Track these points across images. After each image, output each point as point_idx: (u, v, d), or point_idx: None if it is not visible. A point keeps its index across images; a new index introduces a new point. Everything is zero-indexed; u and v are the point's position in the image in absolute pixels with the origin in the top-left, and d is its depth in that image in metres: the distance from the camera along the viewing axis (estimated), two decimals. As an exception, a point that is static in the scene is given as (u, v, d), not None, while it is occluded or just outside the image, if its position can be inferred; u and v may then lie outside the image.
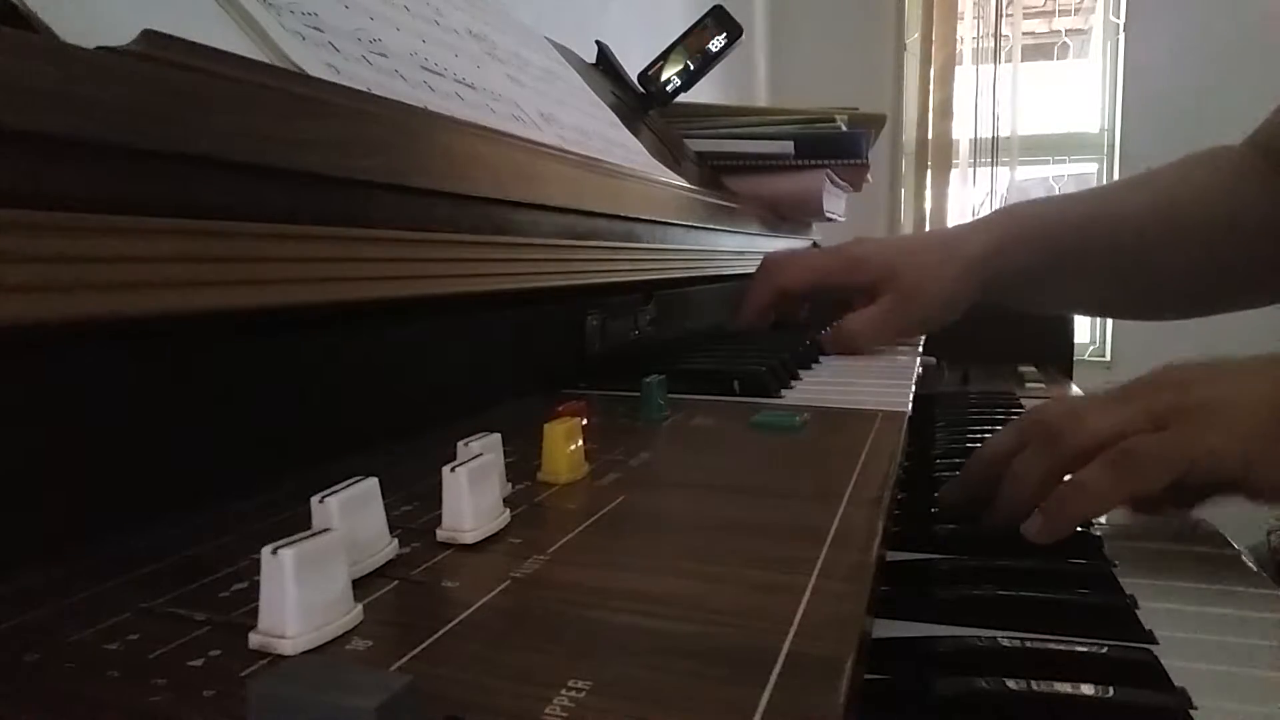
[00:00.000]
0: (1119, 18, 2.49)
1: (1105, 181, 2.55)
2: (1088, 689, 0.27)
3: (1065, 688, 0.27)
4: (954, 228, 0.85)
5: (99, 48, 0.25)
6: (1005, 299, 0.77)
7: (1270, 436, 0.36)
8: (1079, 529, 0.41)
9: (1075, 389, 0.94)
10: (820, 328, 0.78)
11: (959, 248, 0.74)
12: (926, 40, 2.61)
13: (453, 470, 0.26)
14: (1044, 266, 0.73)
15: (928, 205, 2.67)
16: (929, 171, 2.64)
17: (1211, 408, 0.37)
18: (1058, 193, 2.64)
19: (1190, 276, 0.73)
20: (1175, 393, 0.39)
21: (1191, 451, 0.37)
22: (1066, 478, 0.39)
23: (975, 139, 2.60)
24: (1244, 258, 0.70)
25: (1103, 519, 0.45)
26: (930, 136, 2.61)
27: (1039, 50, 2.69)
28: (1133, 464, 0.37)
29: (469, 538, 0.25)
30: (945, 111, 2.59)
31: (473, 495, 0.26)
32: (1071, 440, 0.39)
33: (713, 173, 1.09)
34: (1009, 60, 2.57)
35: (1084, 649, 0.30)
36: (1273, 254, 0.69)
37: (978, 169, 2.61)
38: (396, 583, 0.23)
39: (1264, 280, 0.71)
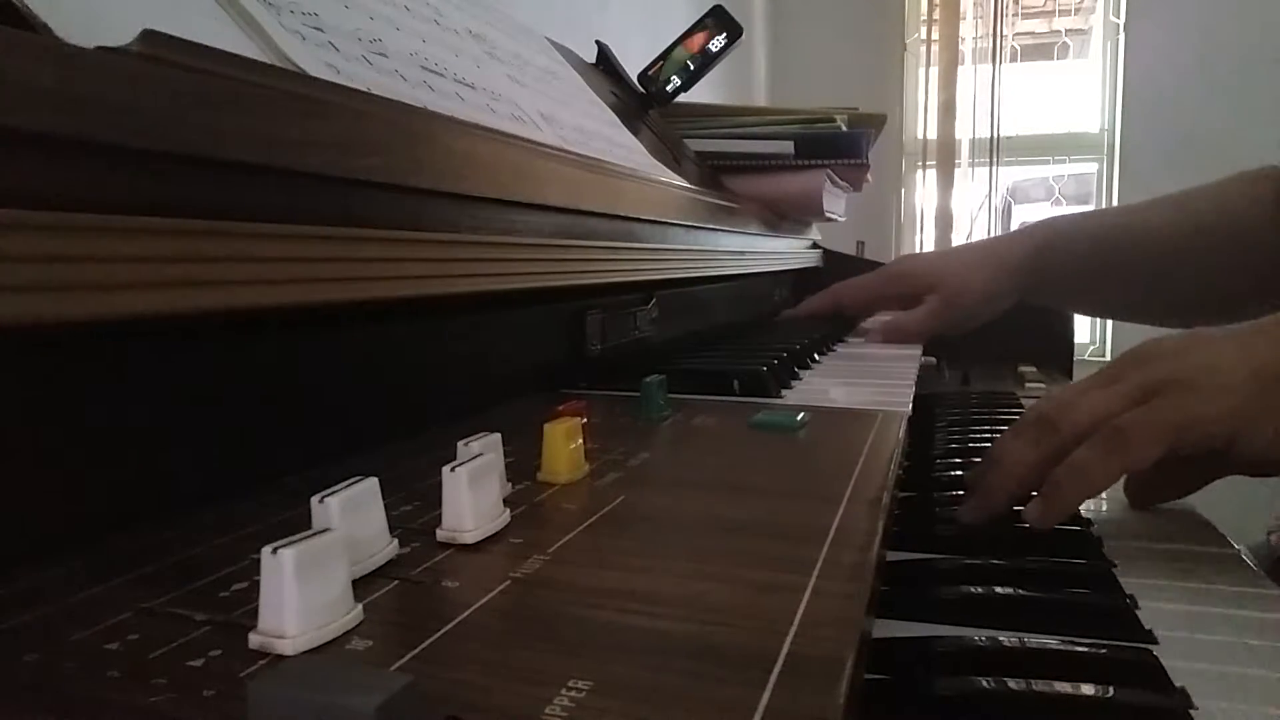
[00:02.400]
0: (1119, 18, 2.49)
1: (1105, 182, 2.55)
2: (1088, 689, 0.27)
3: (1065, 688, 0.27)
4: (996, 237, 0.99)
5: (99, 48, 0.25)
6: (1042, 301, 0.86)
7: (1253, 401, 0.37)
8: (1079, 530, 0.41)
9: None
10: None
11: (999, 255, 0.83)
12: (930, 40, 2.61)
13: (453, 470, 0.26)
14: (1077, 275, 0.81)
15: (929, 205, 2.67)
16: (932, 171, 2.64)
17: (1195, 377, 0.38)
18: (1057, 193, 2.65)
19: (1219, 289, 0.77)
20: (1159, 365, 0.39)
21: (1179, 421, 0.37)
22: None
23: (974, 139, 2.60)
24: (1273, 274, 0.72)
25: (1104, 515, 0.45)
26: (935, 136, 2.61)
27: (1039, 50, 2.69)
28: (1122, 440, 0.37)
29: (469, 538, 0.25)
30: (949, 111, 2.58)
31: (473, 495, 0.26)
32: (1063, 427, 0.39)
33: (713, 173, 1.09)
34: (1009, 60, 2.57)
35: (1084, 649, 0.30)
36: None
37: (976, 169, 2.61)
38: (396, 583, 0.23)
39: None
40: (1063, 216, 0.88)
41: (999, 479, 0.41)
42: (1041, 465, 0.40)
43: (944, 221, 2.61)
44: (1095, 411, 0.39)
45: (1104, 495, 0.46)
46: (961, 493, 0.46)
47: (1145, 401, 0.38)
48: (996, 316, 0.85)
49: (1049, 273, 0.81)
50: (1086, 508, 0.44)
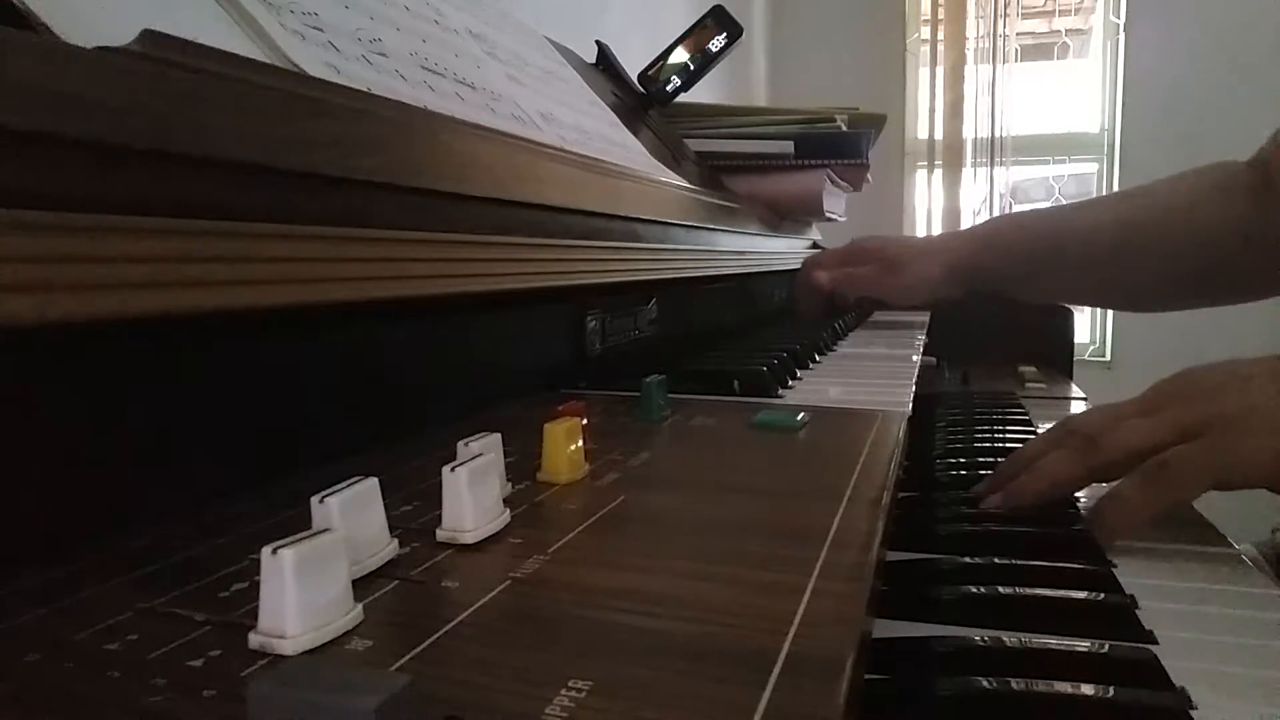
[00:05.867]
0: (1119, 18, 2.49)
1: (1105, 181, 2.55)
2: (1088, 689, 0.27)
3: (1065, 688, 0.27)
4: (950, 233, 1.06)
5: (99, 48, 0.25)
6: (989, 290, 0.94)
7: None
8: (1079, 530, 0.41)
9: (1075, 389, 0.94)
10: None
11: (943, 248, 0.93)
12: (934, 40, 2.61)
13: (453, 470, 0.26)
14: (1018, 269, 0.89)
15: (930, 204, 2.67)
16: (930, 171, 2.64)
17: (1241, 417, 0.39)
18: (1058, 193, 2.66)
19: (1165, 278, 0.82)
20: (1200, 403, 0.40)
21: (1223, 463, 0.39)
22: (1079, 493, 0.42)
23: (975, 139, 2.60)
24: (1225, 263, 0.77)
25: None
26: (941, 137, 2.61)
27: (1039, 50, 2.69)
28: (1169, 477, 0.39)
29: (469, 538, 0.25)
30: (955, 111, 2.58)
31: (473, 495, 0.26)
32: (1106, 449, 0.41)
33: (713, 173, 1.09)
34: (1007, 60, 2.56)
35: (1084, 649, 0.30)
36: (1257, 262, 0.75)
37: (977, 169, 2.61)
38: (396, 583, 0.23)
39: (1242, 284, 0.80)
40: (1010, 215, 0.98)
41: (1032, 483, 0.42)
42: (1076, 481, 0.42)
43: (951, 221, 2.61)
44: (1136, 439, 0.40)
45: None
46: (963, 492, 0.46)
47: (1186, 438, 0.39)
48: (938, 300, 0.95)
49: (991, 266, 0.90)
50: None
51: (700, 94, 1.08)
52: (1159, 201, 0.81)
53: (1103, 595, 0.35)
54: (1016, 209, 2.65)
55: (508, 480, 0.31)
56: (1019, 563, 0.37)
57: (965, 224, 2.62)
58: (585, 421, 0.36)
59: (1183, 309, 0.89)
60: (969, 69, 2.59)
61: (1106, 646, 0.30)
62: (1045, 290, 0.95)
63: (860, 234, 1.01)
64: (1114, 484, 0.41)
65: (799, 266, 1.12)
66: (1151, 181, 0.83)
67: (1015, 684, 0.27)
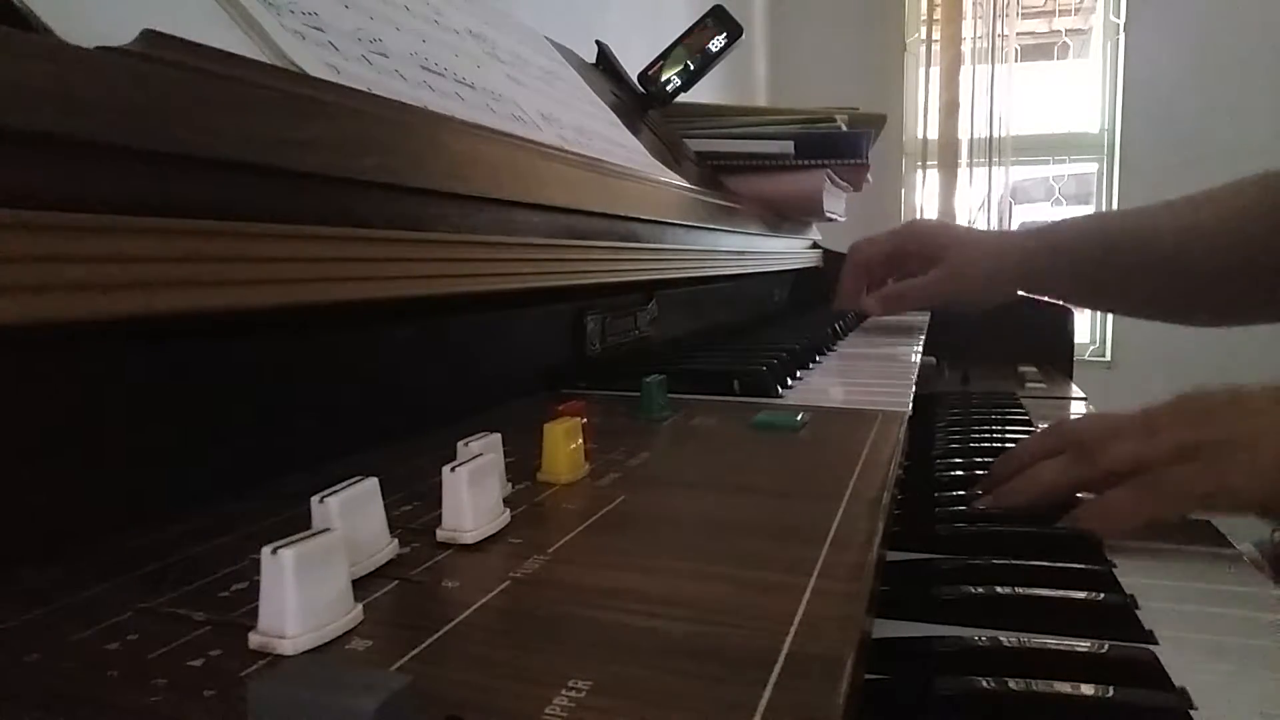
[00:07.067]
0: (1119, 18, 2.49)
1: (1105, 181, 2.55)
2: (1088, 689, 0.27)
3: (1065, 688, 0.27)
4: (1005, 231, 1.02)
5: (99, 48, 0.25)
6: (1044, 295, 0.93)
7: None
8: (1079, 530, 0.41)
9: (1075, 389, 0.94)
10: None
11: (1005, 249, 0.89)
12: (930, 40, 2.61)
13: (453, 470, 0.26)
14: (1077, 276, 0.86)
15: (930, 205, 2.67)
16: (933, 171, 2.64)
17: (1236, 446, 0.39)
18: (1057, 193, 2.66)
19: (1220, 292, 0.80)
20: (1202, 427, 0.40)
21: (1214, 487, 0.39)
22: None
23: (972, 139, 2.60)
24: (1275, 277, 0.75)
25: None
26: (936, 136, 2.60)
27: (1039, 50, 2.69)
28: (1157, 492, 0.40)
29: (469, 538, 0.25)
30: (951, 111, 2.58)
31: (473, 495, 0.26)
32: (1101, 461, 0.41)
33: (713, 173, 1.09)
34: (1007, 60, 2.57)
35: (1084, 649, 0.30)
36: None
37: (976, 169, 2.61)
38: (396, 583, 0.23)
39: None
40: (1070, 220, 0.92)
41: (1025, 487, 0.43)
42: (1068, 488, 0.43)
43: (948, 220, 2.61)
44: (1132, 456, 0.41)
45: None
46: (962, 492, 0.46)
47: (1181, 459, 0.40)
48: (992, 305, 0.90)
49: (1053, 271, 0.86)
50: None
51: (700, 94, 1.07)
52: (1216, 210, 0.79)
53: (1103, 595, 0.35)
54: (1017, 209, 2.65)
55: (508, 480, 0.31)
56: (1019, 563, 0.37)
57: (963, 224, 2.62)
58: (585, 421, 0.36)
59: (1240, 324, 0.85)
60: (969, 69, 2.59)
61: (1106, 646, 0.30)
62: (1105, 299, 0.92)
63: (859, 234, 1.00)
64: (1106, 493, 0.42)
65: (805, 266, 1.09)
66: (1208, 189, 0.81)
67: (1015, 684, 0.27)
